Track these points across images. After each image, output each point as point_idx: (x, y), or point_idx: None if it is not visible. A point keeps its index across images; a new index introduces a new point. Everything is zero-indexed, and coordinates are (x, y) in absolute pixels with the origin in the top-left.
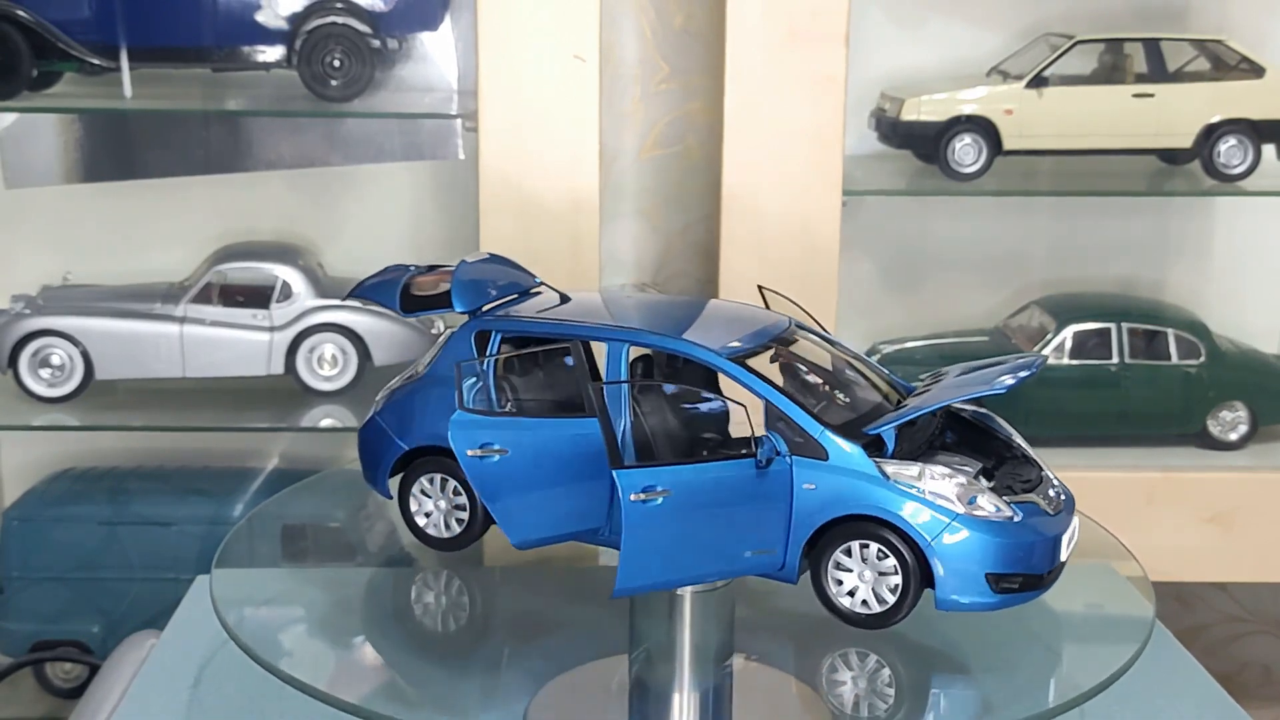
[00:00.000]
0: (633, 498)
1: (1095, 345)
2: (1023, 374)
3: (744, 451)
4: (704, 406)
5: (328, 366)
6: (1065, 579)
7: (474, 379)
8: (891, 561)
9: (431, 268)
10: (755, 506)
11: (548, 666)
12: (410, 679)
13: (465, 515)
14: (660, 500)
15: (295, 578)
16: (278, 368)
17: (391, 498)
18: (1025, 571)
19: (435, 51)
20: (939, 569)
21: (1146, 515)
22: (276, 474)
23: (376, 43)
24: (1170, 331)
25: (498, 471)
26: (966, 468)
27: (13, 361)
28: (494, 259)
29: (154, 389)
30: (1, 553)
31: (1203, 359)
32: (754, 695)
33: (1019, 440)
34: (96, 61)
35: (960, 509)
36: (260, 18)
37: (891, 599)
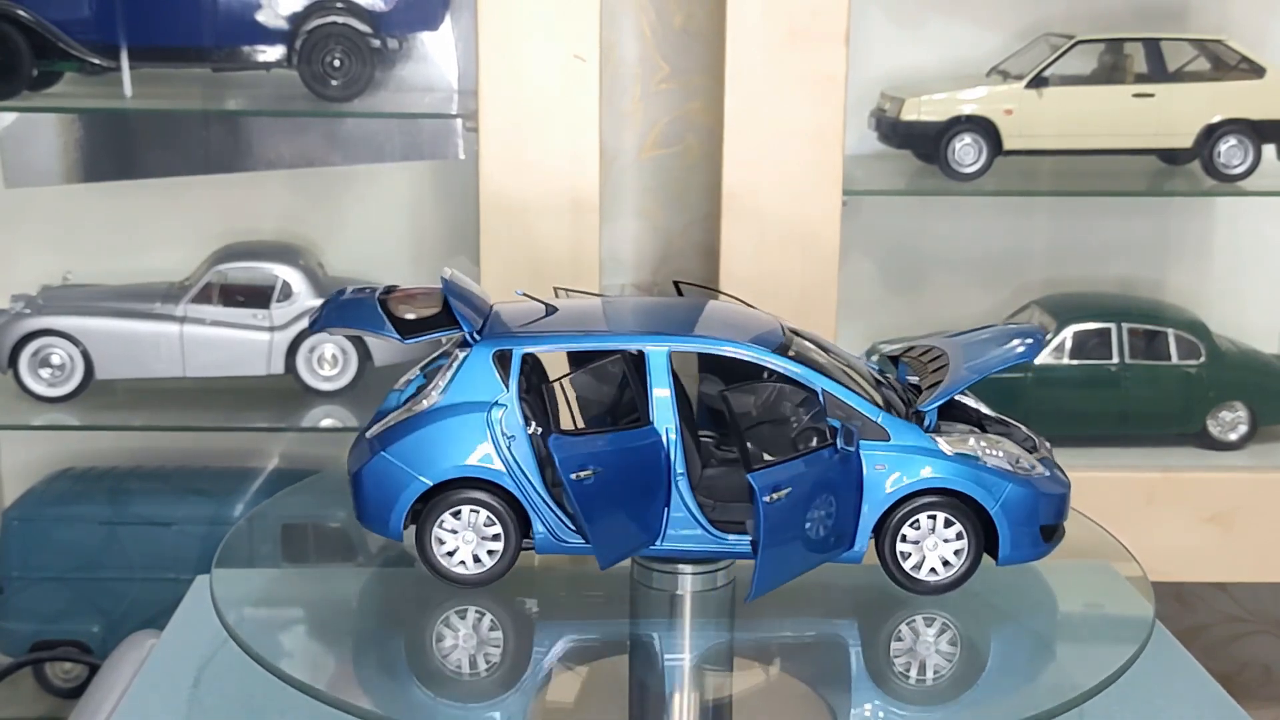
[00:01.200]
0: (768, 499)
1: (1095, 345)
2: (1031, 340)
3: (825, 442)
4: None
5: (328, 366)
6: (1066, 579)
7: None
8: (956, 528)
9: (371, 289)
10: (839, 493)
11: (548, 666)
12: (410, 679)
13: (499, 546)
14: (784, 497)
15: (295, 578)
16: (278, 368)
17: (401, 539)
18: (1059, 520)
19: (435, 51)
20: (1004, 529)
21: (1146, 515)
22: (276, 474)
23: (376, 42)
24: (1170, 331)
25: (595, 492)
26: (991, 435)
27: (13, 361)
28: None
29: (154, 389)
30: (1, 553)
31: (1203, 359)
32: (754, 695)
33: (986, 408)
34: (96, 61)
35: (1014, 471)
36: (260, 17)
37: (956, 563)
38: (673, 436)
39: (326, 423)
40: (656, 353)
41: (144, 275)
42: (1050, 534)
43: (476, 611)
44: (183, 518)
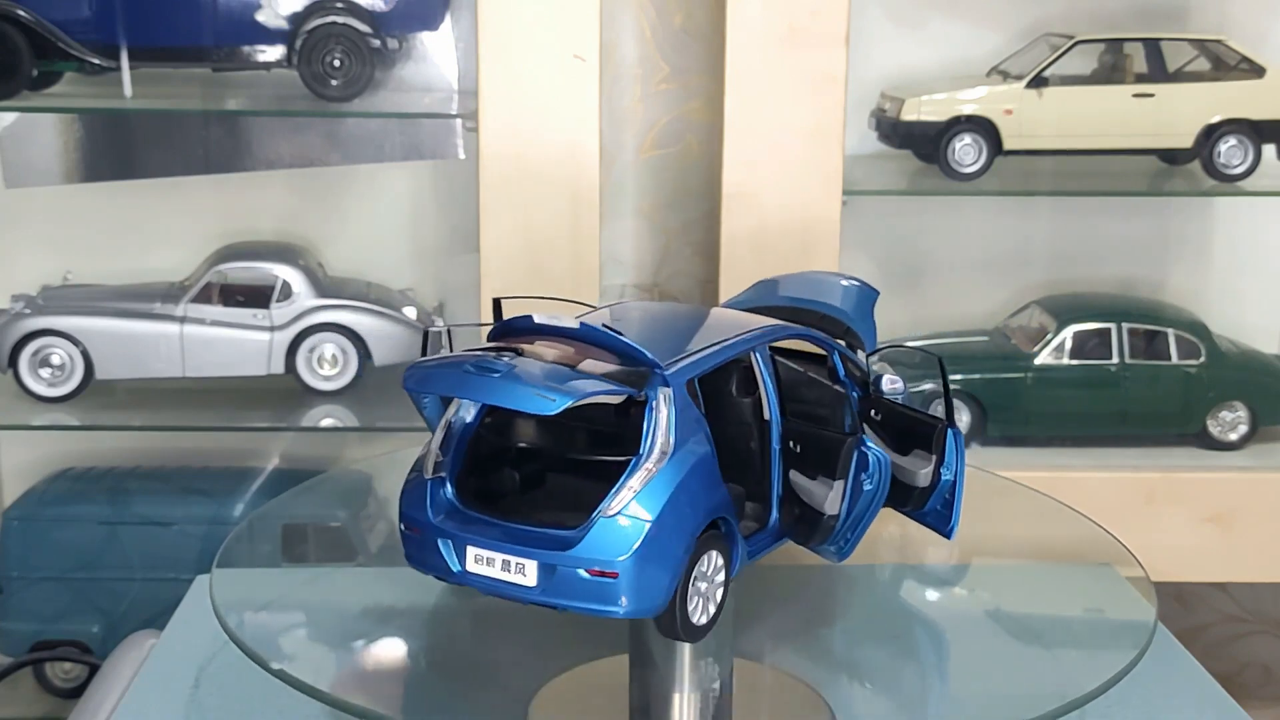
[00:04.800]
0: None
1: (1095, 345)
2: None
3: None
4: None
5: (328, 366)
6: (1067, 580)
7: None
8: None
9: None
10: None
11: (548, 666)
12: (410, 679)
13: (722, 591)
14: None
15: (296, 578)
16: (278, 368)
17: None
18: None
19: (435, 51)
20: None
21: (1146, 515)
22: (276, 474)
23: (376, 42)
24: (1170, 331)
25: None
26: None
27: (13, 361)
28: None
29: (154, 389)
30: (1, 553)
31: (1203, 359)
32: (754, 695)
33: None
34: (96, 61)
35: None
36: (260, 17)
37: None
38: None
39: (326, 423)
40: (762, 349)
41: (144, 275)
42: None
43: (477, 611)
44: (183, 518)
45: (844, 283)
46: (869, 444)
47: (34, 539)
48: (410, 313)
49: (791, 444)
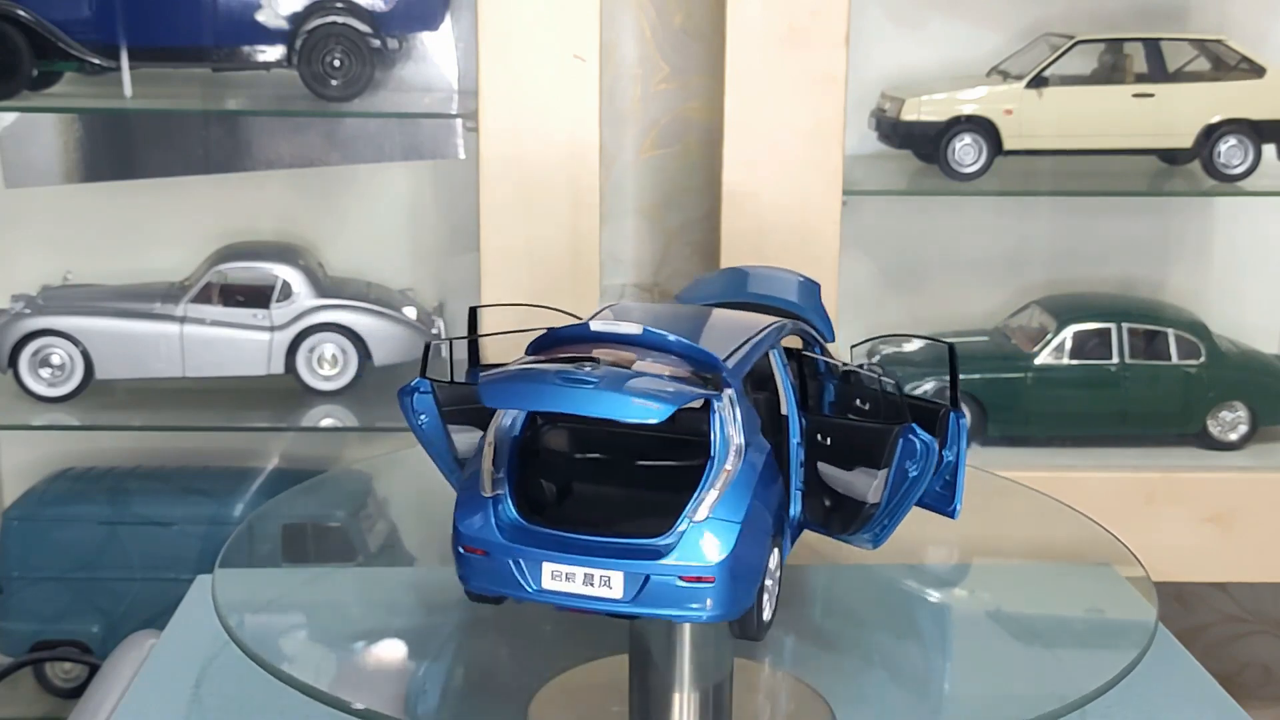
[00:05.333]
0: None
1: (1095, 345)
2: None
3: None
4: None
5: (328, 366)
6: (1068, 580)
7: None
8: None
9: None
10: None
11: (548, 666)
12: (410, 679)
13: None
14: None
15: (296, 578)
16: (278, 368)
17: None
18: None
19: (435, 51)
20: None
21: (1146, 515)
22: (276, 474)
23: (376, 42)
24: (1170, 331)
25: None
26: None
27: (13, 361)
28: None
29: (154, 389)
30: (1, 553)
31: (1203, 359)
32: (754, 695)
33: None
34: (96, 61)
35: None
36: (260, 17)
37: None
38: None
39: (326, 423)
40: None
41: (144, 275)
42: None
43: (477, 611)
44: (183, 518)
45: (790, 277)
46: (917, 430)
47: (34, 539)
48: (410, 313)
49: (820, 437)
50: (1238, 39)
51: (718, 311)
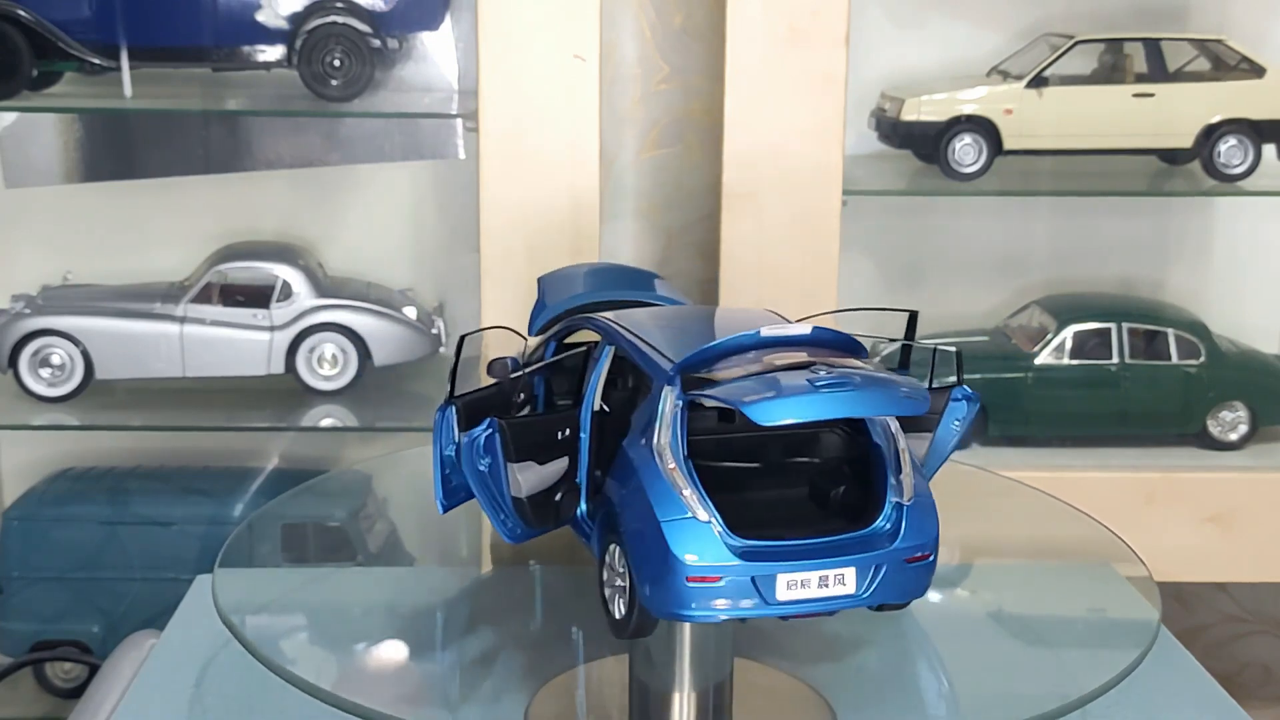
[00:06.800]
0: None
1: (1095, 345)
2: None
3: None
4: None
5: (328, 366)
6: (1069, 580)
7: None
8: None
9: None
10: None
11: (548, 666)
12: (411, 679)
13: None
14: None
15: (296, 578)
16: (278, 367)
17: None
18: None
19: (435, 51)
20: None
21: (1146, 515)
22: (276, 474)
23: (376, 42)
24: (1170, 331)
25: None
26: None
27: (13, 361)
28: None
29: (154, 389)
30: (1, 553)
31: (1203, 359)
32: (754, 695)
33: None
34: (96, 61)
35: None
36: (260, 17)
37: None
38: None
39: (326, 423)
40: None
41: (144, 275)
42: None
43: (477, 611)
44: (183, 518)
45: (653, 279)
46: (966, 390)
47: (34, 539)
48: (410, 313)
49: None
50: (1238, 39)
51: (722, 310)
